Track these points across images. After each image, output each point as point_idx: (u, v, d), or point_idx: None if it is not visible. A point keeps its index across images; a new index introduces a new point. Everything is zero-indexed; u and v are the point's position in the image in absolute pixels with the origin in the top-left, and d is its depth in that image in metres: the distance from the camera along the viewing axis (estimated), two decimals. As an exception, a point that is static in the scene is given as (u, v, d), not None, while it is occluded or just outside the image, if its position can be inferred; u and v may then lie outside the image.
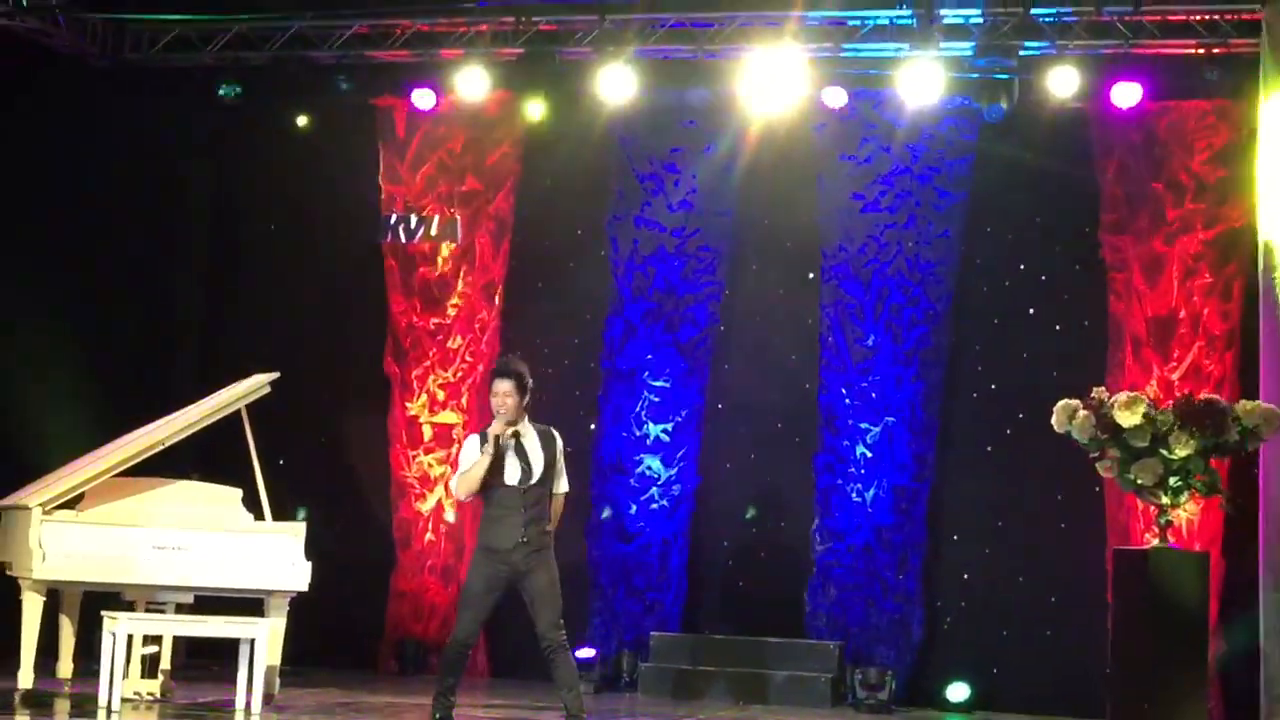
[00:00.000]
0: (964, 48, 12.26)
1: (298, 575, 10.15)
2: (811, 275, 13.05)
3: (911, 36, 12.26)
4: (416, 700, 10.71)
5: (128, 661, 9.97)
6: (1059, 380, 11.42)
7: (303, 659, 11.69)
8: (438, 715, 8.52)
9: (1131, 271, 12.28)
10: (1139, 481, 8.85)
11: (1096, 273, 12.43)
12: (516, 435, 8.52)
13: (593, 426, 13.21)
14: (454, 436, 13.34)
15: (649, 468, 13.00)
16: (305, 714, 9.95)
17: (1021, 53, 12.14)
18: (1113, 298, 12.34)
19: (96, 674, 9.64)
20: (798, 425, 12.98)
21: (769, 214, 13.18)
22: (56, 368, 12.61)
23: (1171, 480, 8.79)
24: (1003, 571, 12.48)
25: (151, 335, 13.81)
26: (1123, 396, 8.91)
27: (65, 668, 10.37)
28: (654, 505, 12.96)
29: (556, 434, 8.70)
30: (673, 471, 12.99)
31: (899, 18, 12.31)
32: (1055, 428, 9.25)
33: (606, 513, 13.07)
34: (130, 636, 9.86)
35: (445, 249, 13.56)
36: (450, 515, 13.24)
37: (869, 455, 12.58)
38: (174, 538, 9.94)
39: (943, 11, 12.06)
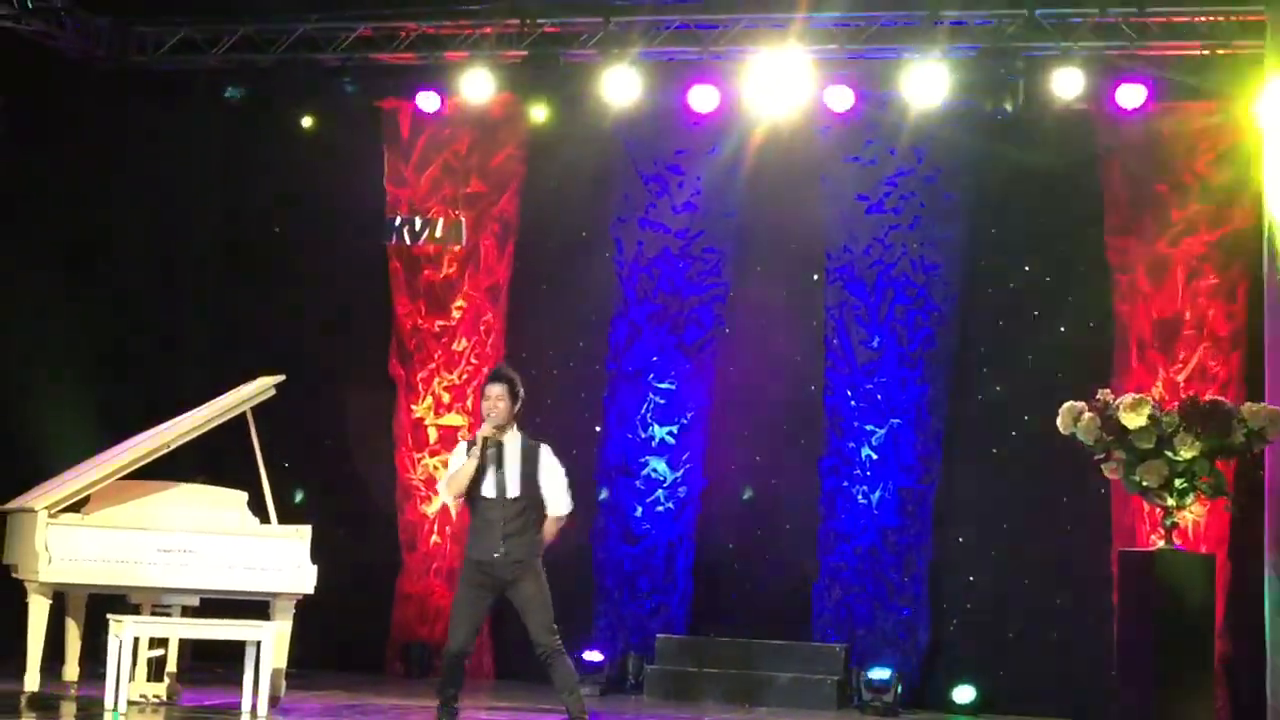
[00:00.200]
0: (969, 49, 12.26)
1: (303, 578, 10.16)
2: (816, 277, 13.05)
3: (916, 38, 12.26)
4: (422, 703, 10.71)
5: (134, 664, 9.99)
6: (1064, 382, 11.41)
7: (308, 662, 11.71)
8: (444, 721, 8.54)
9: (1136, 273, 12.27)
10: (1144, 483, 8.84)
11: (1101, 274, 12.42)
12: (499, 446, 8.47)
13: (598, 428, 13.22)
14: (459, 439, 13.29)
15: (654, 470, 13.00)
16: (311, 717, 9.96)
17: (1026, 54, 12.14)
18: (1117, 299, 12.33)
19: (102, 677, 9.65)
20: (803, 427, 12.97)
21: (773, 216, 13.17)
22: (62, 371, 12.63)
23: (1177, 482, 8.79)
24: (1008, 574, 12.48)
25: (157, 339, 13.81)
26: (1128, 398, 8.90)
27: (71, 670, 10.40)
28: (659, 507, 12.96)
29: (546, 450, 8.58)
30: (678, 474, 12.99)
31: (903, 19, 12.31)
32: (1061, 429, 9.24)
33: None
34: (136, 639, 9.88)
35: (449, 249, 13.56)
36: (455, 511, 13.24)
37: (874, 457, 12.58)
38: (180, 541, 9.96)
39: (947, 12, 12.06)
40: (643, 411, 13.07)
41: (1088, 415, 8.99)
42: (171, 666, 10.51)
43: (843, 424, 12.70)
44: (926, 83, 12.15)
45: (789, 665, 12.32)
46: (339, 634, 12.79)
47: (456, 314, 13.53)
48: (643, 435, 13.06)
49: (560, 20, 12.89)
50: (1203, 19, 11.94)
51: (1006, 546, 12.52)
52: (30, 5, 12.38)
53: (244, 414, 10.35)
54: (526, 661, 12.44)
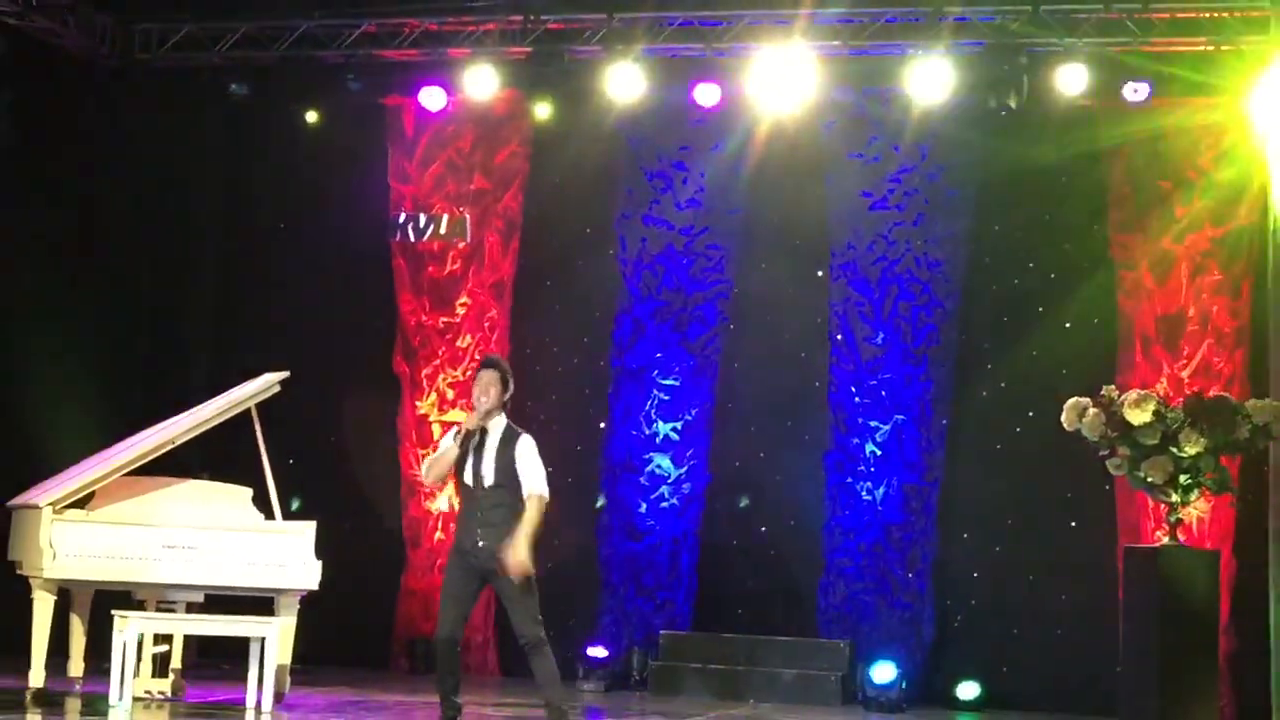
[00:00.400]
0: (973, 45, 12.25)
1: (308, 574, 10.16)
2: (820, 273, 13.05)
3: (920, 34, 12.25)
4: (427, 699, 10.71)
5: (139, 660, 10.00)
6: (1068, 378, 11.43)
7: (313, 658, 11.73)
8: (448, 715, 8.52)
9: (1140, 269, 12.27)
10: (1149, 479, 8.84)
11: (1105, 270, 12.42)
12: (483, 433, 8.47)
13: (602, 425, 13.22)
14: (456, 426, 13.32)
15: (659, 466, 13.00)
16: (315, 713, 9.96)
17: (1030, 50, 12.14)
18: (1122, 296, 12.33)
19: (107, 673, 9.66)
20: (807, 423, 12.98)
21: (778, 212, 13.17)
22: (67, 367, 12.64)
23: (1182, 478, 8.78)
24: (1013, 570, 12.47)
25: (161, 335, 13.83)
26: (1133, 394, 8.90)
27: (76, 667, 10.40)
28: (664, 504, 12.97)
29: (525, 439, 8.48)
30: (683, 470, 12.99)
31: (908, 15, 12.31)
32: (1065, 426, 9.24)
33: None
34: (141, 635, 9.89)
35: (453, 246, 13.56)
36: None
37: (879, 453, 12.58)
38: (184, 537, 9.96)
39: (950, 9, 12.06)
40: (647, 408, 13.08)
41: (1092, 411, 8.98)
42: (176, 662, 10.53)
43: (847, 420, 12.70)
44: (931, 79, 12.15)
45: (793, 661, 12.32)
46: (343, 630, 12.79)
47: (460, 310, 13.53)
48: (647, 432, 13.06)
49: (564, 17, 12.89)
50: (1207, 15, 11.93)
51: (1011, 543, 12.51)
52: (34, 2, 12.39)
53: (248, 410, 10.35)
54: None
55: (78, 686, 10.35)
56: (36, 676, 9.73)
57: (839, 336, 12.81)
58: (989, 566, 12.57)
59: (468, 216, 13.54)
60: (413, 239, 13.61)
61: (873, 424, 12.62)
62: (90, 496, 9.94)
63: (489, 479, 8.41)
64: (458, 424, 8.65)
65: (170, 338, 13.88)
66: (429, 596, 13.23)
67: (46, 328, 12.69)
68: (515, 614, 8.42)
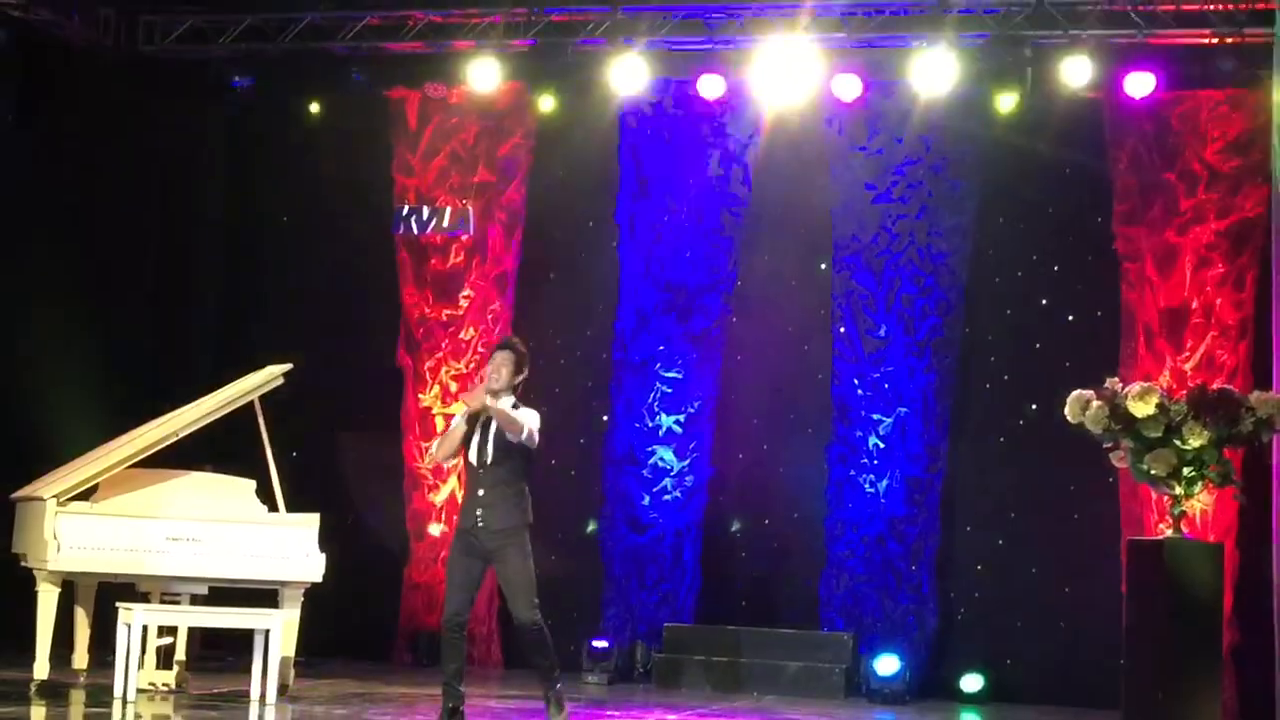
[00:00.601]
0: (977, 37, 12.24)
1: (312, 566, 10.18)
2: (824, 266, 13.05)
3: (924, 26, 12.24)
4: (430, 691, 10.70)
5: (143, 652, 10.01)
6: (1072, 371, 11.42)
7: (317, 650, 11.74)
8: (449, 705, 8.53)
9: (1144, 262, 12.26)
10: (1152, 472, 8.82)
11: (1109, 263, 12.41)
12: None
13: (605, 418, 13.23)
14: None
15: (661, 459, 13.00)
16: (320, 704, 9.97)
17: (1034, 42, 12.13)
18: (1125, 288, 12.32)
19: (111, 665, 9.68)
20: (810, 416, 12.98)
21: (781, 204, 13.17)
22: (71, 359, 12.65)
23: (1185, 471, 8.77)
24: (1016, 562, 12.48)
25: (165, 327, 13.84)
26: (1136, 387, 8.88)
27: (81, 659, 10.42)
28: (667, 496, 12.97)
29: (529, 412, 8.55)
30: (685, 463, 12.99)
31: (911, 7, 12.30)
32: (1068, 418, 9.23)
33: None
34: (145, 627, 9.90)
35: (456, 238, 13.57)
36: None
37: (882, 446, 12.58)
38: (188, 529, 9.97)
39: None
40: (650, 400, 13.08)
41: (1096, 404, 8.97)
42: (180, 655, 10.54)
43: (850, 413, 12.70)
44: (934, 71, 12.14)
45: (796, 654, 12.33)
46: (347, 622, 12.82)
47: (464, 303, 13.54)
48: (650, 424, 13.06)
49: (568, 9, 12.88)
50: (1211, 7, 11.92)
51: (1014, 535, 12.52)
52: (38, -6, 12.41)
53: (252, 403, 10.36)
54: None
55: (82, 679, 10.38)
56: (41, 669, 9.75)
57: (842, 329, 12.81)
58: (992, 559, 12.57)
59: (471, 209, 13.54)
60: (416, 231, 13.61)
61: (875, 416, 12.62)
62: (94, 489, 9.96)
63: (490, 457, 8.45)
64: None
65: (173, 330, 13.89)
66: (432, 589, 13.24)
67: (50, 320, 12.69)
68: (513, 599, 8.48)
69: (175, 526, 9.96)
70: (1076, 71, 11.98)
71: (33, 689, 9.70)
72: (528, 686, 11.55)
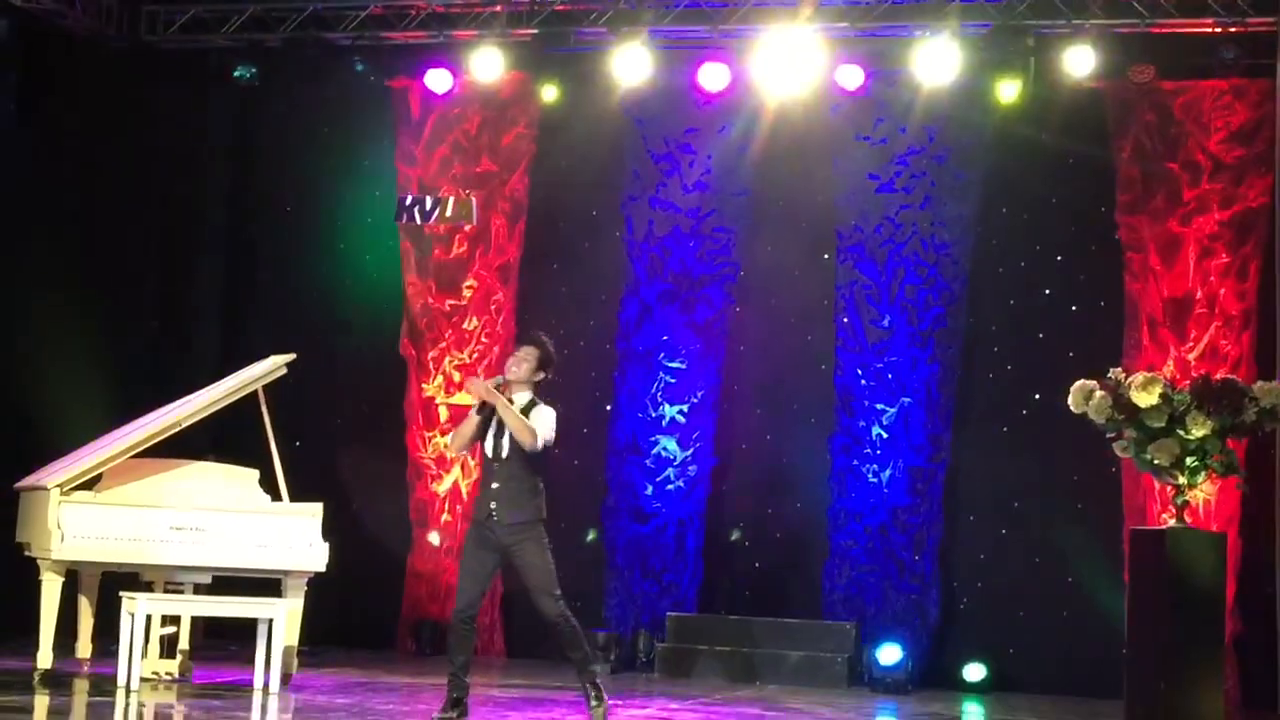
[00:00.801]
0: (980, 27, 12.23)
1: (315, 556, 10.18)
2: (827, 256, 13.04)
3: (927, 16, 12.23)
4: (434, 680, 10.74)
5: (146, 641, 10.02)
6: (1075, 361, 11.43)
7: (320, 639, 11.75)
8: (454, 696, 8.54)
9: (1148, 251, 12.26)
10: (1156, 462, 8.81)
11: (1112, 253, 12.41)
12: (509, 402, 8.49)
13: (608, 408, 13.23)
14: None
15: (665, 449, 13.01)
16: (323, 694, 9.98)
17: (1037, 32, 12.12)
18: (1129, 278, 12.32)
19: (115, 654, 9.68)
20: (813, 406, 12.98)
21: (784, 195, 13.17)
22: (75, 349, 12.65)
23: (1189, 460, 8.76)
24: (1019, 552, 12.48)
25: (168, 317, 13.84)
26: (1139, 377, 8.88)
27: (84, 648, 10.42)
28: (670, 486, 12.98)
29: (543, 405, 8.52)
30: (689, 452, 13.00)
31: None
32: (1072, 408, 9.23)
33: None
34: (149, 617, 9.91)
35: (460, 229, 13.56)
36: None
37: (885, 436, 12.58)
38: (192, 518, 9.97)
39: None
40: (653, 390, 13.08)
41: (1099, 394, 8.97)
42: (184, 644, 10.54)
43: (853, 403, 12.71)
44: (937, 61, 12.13)
45: (799, 643, 12.34)
46: (350, 612, 12.84)
47: (467, 293, 13.54)
48: (653, 414, 13.07)
49: (570, -1, 12.89)
50: (1216, -3, 11.92)
51: (1017, 525, 12.52)
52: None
53: (255, 393, 10.36)
54: (538, 640, 12.55)
55: (85, 668, 10.38)
56: (44, 657, 9.75)
57: (845, 319, 12.81)
58: (995, 549, 12.58)
59: (474, 199, 13.54)
60: (419, 221, 13.60)
61: (879, 406, 12.63)
62: (98, 478, 9.96)
63: (505, 450, 8.43)
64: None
65: (177, 320, 13.90)
66: (435, 579, 13.26)
67: (53, 309, 12.69)
68: (534, 592, 8.46)
69: (179, 516, 9.96)
70: (1080, 61, 11.97)
71: (36, 678, 9.71)
72: (530, 676, 11.59)
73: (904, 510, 12.52)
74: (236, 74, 13.47)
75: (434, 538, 13.21)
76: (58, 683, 9.74)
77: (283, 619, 9.81)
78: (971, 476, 12.62)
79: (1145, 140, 12.31)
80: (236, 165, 14.22)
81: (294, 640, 10.18)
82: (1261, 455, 11.03)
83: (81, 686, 9.89)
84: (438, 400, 13.45)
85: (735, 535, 13.06)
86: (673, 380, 13.07)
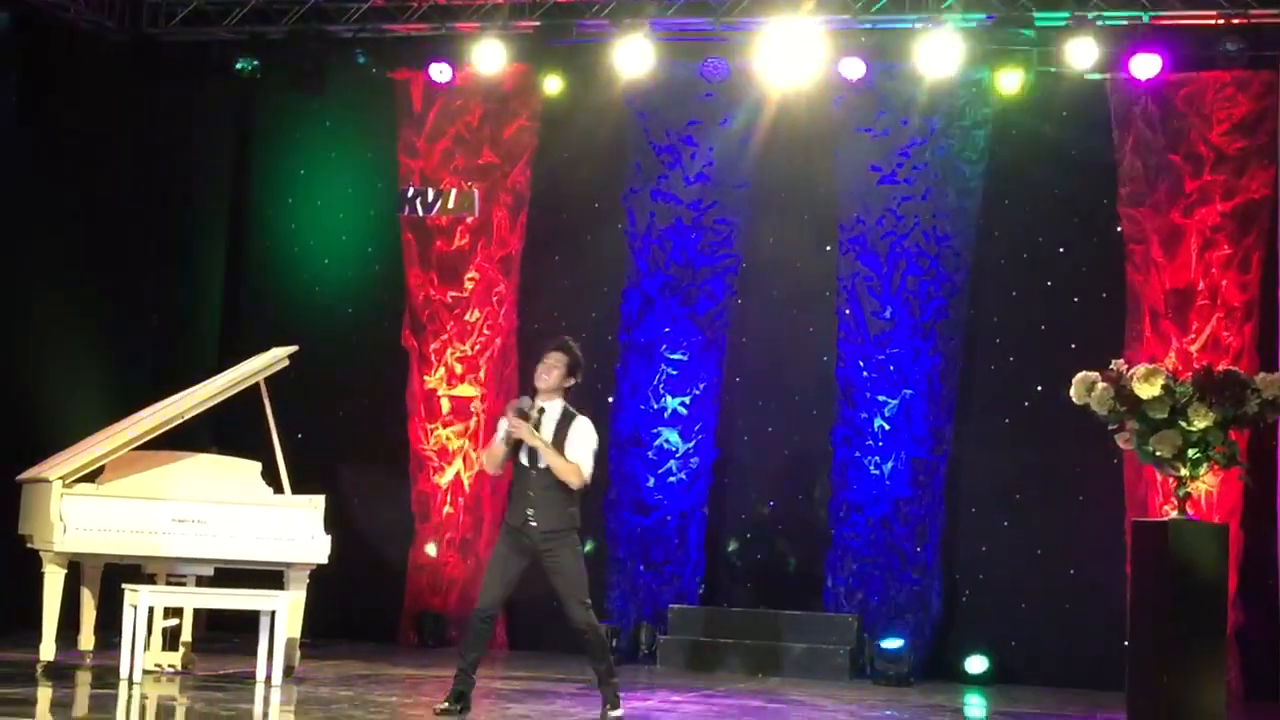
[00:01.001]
0: (982, 19, 12.22)
1: (317, 548, 10.19)
2: (829, 248, 13.04)
3: (929, 8, 12.22)
4: (435, 672, 10.75)
5: (149, 634, 10.02)
6: (1077, 352, 11.42)
7: (322, 631, 11.76)
8: (458, 689, 8.55)
9: (1150, 243, 12.25)
10: (1158, 453, 8.81)
11: (1114, 245, 12.40)
12: (540, 413, 8.50)
13: (610, 400, 13.23)
14: (471, 410, 13.37)
15: (667, 441, 13.01)
16: (325, 686, 9.99)
17: (1040, 24, 12.10)
18: (1131, 270, 12.31)
19: (118, 646, 9.68)
20: (815, 398, 12.98)
21: (786, 187, 13.16)
22: (77, 341, 12.66)
23: (1190, 452, 8.75)
24: (1021, 544, 12.48)
25: (169, 309, 13.84)
26: (1141, 369, 8.87)
27: (87, 640, 10.43)
28: (672, 478, 12.98)
29: (581, 420, 8.57)
30: (690, 444, 13.00)
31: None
32: (1074, 400, 9.22)
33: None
34: (151, 609, 9.91)
35: (462, 221, 13.56)
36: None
37: (887, 428, 12.58)
38: (194, 511, 9.98)
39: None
40: (655, 382, 13.08)
41: (1101, 386, 8.96)
42: (186, 636, 10.54)
43: (855, 395, 12.71)
44: (939, 53, 12.12)
45: (802, 635, 12.35)
46: (352, 604, 12.84)
47: (469, 285, 13.54)
48: (655, 406, 13.07)
49: (572, -10, 12.88)
50: (1219, -11, 11.90)
51: (1019, 517, 12.53)
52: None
53: (257, 385, 10.36)
54: (539, 633, 12.58)
55: (88, 660, 10.39)
56: (47, 650, 9.75)
57: (847, 311, 12.81)
58: (997, 541, 12.58)
59: (476, 191, 13.54)
60: (421, 213, 13.60)
61: (881, 398, 12.63)
62: (100, 470, 9.96)
63: (542, 460, 8.43)
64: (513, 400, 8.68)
65: (178, 312, 13.89)
66: (437, 571, 13.28)
67: (54, 302, 12.70)
68: (564, 598, 8.47)
69: (181, 508, 9.97)
70: (1082, 53, 11.95)
71: (39, 670, 9.71)
72: (532, 669, 11.59)
73: (906, 502, 12.52)
74: (238, 66, 13.46)
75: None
76: (60, 675, 9.74)
77: (285, 611, 9.81)
78: (973, 468, 12.62)
79: (1147, 132, 12.29)
80: (238, 157, 14.21)
81: (296, 632, 10.18)
82: (1263, 447, 11.02)
83: (84, 679, 9.89)
84: (440, 392, 13.46)
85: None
86: (674, 372, 13.07)
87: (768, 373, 13.13)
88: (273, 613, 9.75)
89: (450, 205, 13.54)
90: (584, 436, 8.51)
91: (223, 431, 11.58)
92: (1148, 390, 8.71)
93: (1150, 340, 12.11)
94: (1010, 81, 12.28)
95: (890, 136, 12.77)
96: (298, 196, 14.06)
